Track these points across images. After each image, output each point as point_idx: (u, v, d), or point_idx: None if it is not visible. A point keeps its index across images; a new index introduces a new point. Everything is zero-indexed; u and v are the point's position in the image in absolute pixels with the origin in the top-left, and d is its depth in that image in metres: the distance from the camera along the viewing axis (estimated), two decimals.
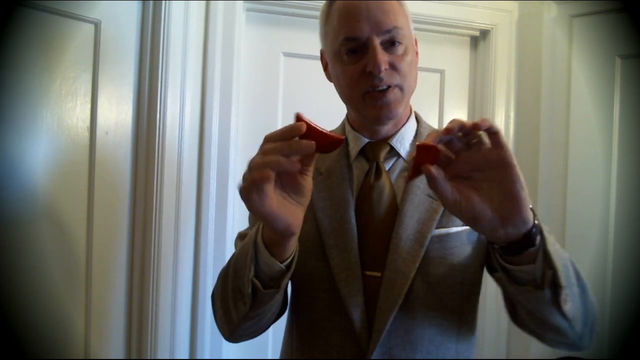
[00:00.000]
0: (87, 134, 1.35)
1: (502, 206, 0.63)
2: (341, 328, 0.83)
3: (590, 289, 0.75)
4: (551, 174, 1.66)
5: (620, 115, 1.59)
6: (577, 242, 1.61)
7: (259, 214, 0.64)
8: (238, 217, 1.60)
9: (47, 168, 1.27)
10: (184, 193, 1.48)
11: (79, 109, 1.33)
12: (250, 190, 0.62)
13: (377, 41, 0.79)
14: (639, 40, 1.54)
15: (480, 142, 0.62)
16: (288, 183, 0.67)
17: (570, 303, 0.68)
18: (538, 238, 0.65)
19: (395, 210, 0.84)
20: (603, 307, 1.58)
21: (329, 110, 1.63)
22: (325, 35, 0.88)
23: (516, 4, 1.75)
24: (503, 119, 1.75)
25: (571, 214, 1.63)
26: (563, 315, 0.68)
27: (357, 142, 0.90)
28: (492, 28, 1.74)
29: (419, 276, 0.81)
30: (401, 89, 0.83)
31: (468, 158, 0.63)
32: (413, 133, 0.92)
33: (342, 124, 0.96)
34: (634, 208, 1.56)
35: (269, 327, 0.87)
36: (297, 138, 0.63)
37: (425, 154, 0.62)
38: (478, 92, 1.80)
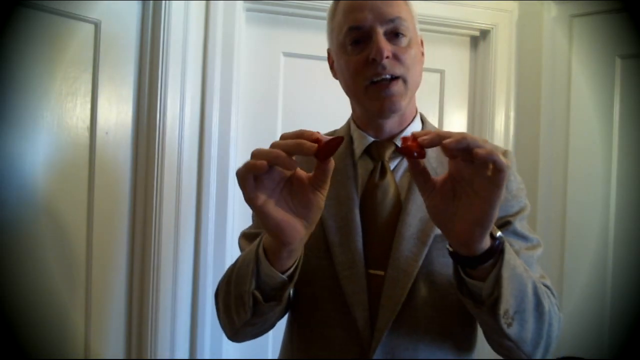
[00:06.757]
0: (87, 134, 1.35)
1: (470, 220, 0.64)
2: (344, 326, 0.83)
3: (557, 319, 0.77)
4: (551, 174, 1.66)
5: (620, 115, 1.59)
6: (577, 242, 1.60)
7: (251, 205, 0.64)
8: (238, 217, 1.60)
9: (47, 168, 1.27)
10: (184, 193, 1.48)
11: (79, 109, 1.34)
12: (245, 174, 0.62)
13: (380, 30, 0.81)
14: (639, 40, 1.54)
15: (486, 166, 0.61)
16: (299, 192, 0.67)
17: (517, 326, 0.70)
18: (496, 258, 0.67)
19: (399, 209, 0.85)
20: (603, 308, 1.58)
21: (329, 110, 1.65)
22: (331, 32, 0.89)
23: (516, 4, 1.75)
24: (503, 119, 1.75)
25: (571, 214, 1.62)
26: (506, 336, 0.70)
27: (362, 140, 0.90)
28: (492, 28, 1.74)
29: (422, 275, 0.82)
30: (405, 81, 0.83)
31: (465, 169, 0.63)
32: None
33: (347, 123, 0.96)
34: (634, 208, 1.56)
35: (272, 328, 0.87)
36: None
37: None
38: (478, 92, 1.80)
